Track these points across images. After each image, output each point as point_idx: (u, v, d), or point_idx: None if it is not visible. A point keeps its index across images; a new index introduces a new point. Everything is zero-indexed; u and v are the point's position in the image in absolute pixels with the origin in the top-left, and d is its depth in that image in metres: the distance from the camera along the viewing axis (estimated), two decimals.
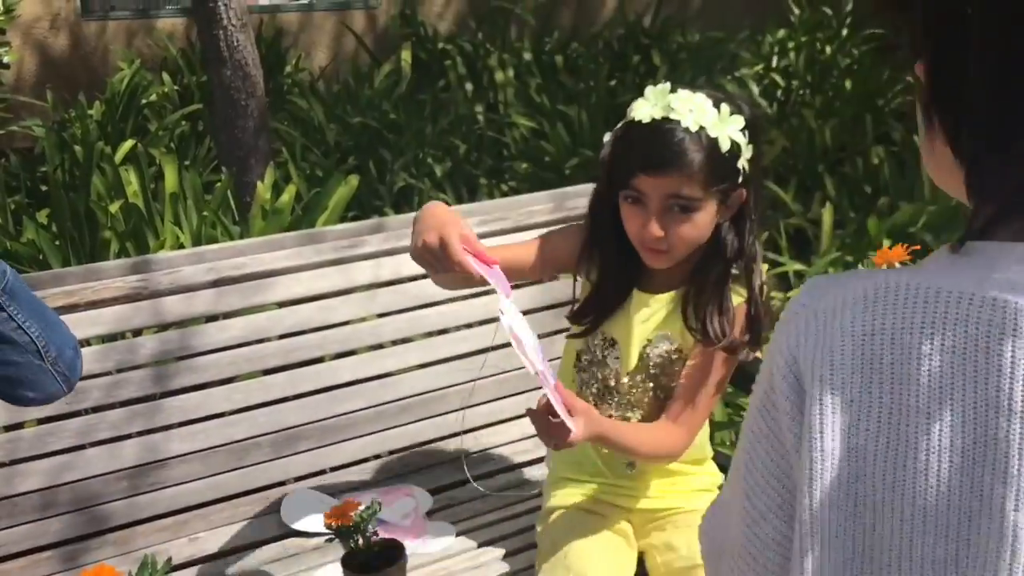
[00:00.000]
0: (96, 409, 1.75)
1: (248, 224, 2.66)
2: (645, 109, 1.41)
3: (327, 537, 1.74)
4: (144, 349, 1.79)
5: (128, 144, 3.72)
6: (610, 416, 1.57)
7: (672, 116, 1.38)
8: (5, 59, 4.08)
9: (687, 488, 1.63)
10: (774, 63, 5.82)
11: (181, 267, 1.82)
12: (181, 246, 2.43)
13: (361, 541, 1.56)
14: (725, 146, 1.40)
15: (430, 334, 2.03)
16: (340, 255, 1.95)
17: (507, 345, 1.61)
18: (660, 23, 6.10)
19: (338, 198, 2.70)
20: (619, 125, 1.48)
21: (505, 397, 2.05)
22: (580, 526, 1.59)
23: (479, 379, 2.02)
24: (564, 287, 1.81)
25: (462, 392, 2.02)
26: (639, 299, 1.55)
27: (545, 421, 1.34)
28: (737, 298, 1.51)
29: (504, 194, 4.14)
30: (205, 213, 2.49)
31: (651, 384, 1.56)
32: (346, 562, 1.57)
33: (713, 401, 1.55)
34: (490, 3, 6.23)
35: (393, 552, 1.58)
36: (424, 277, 2.01)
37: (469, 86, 5.01)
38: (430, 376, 2.01)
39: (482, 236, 2.03)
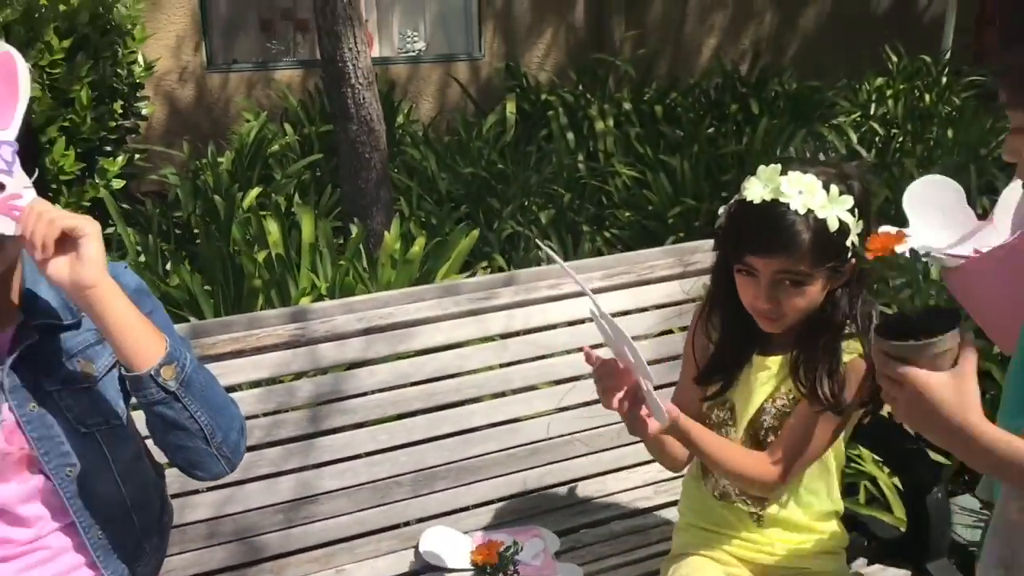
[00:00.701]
0: (257, 447, 1.92)
1: (376, 272, 2.83)
2: (756, 190, 1.50)
3: (469, 572, 1.87)
4: (301, 392, 1.95)
5: (255, 191, 3.97)
6: None
7: (782, 199, 1.47)
8: (144, 111, 4.39)
9: (814, 549, 1.68)
10: (872, 111, 5.84)
11: (334, 316, 1.98)
12: (320, 294, 2.61)
13: None
14: (834, 226, 1.47)
15: (558, 382, 2.14)
16: (476, 306, 2.09)
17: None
18: (757, 72, 6.18)
19: (460, 249, 2.85)
20: (732, 201, 1.57)
21: (627, 444, 2.15)
22: (704, 574, 1.67)
23: (604, 426, 2.13)
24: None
25: (588, 438, 2.14)
26: (758, 362, 1.64)
27: (635, 412, 1.45)
28: (850, 356, 1.57)
29: (607, 241, 4.26)
30: (341, 262, 2.67)
31: (762, 437, 1.64)
32: None
33: (816, 453, 1.61)
34: (590, 55, 6.41)
35: None
36: (550, 328, 2.14)
37: (570, 135, 5.16)
38: (557, 422, 2.13)
39: (603, 290, 2.16)
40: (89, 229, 1.32)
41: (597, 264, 2.23)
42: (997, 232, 1.40)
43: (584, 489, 2.14)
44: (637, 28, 6.85)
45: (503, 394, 2.09)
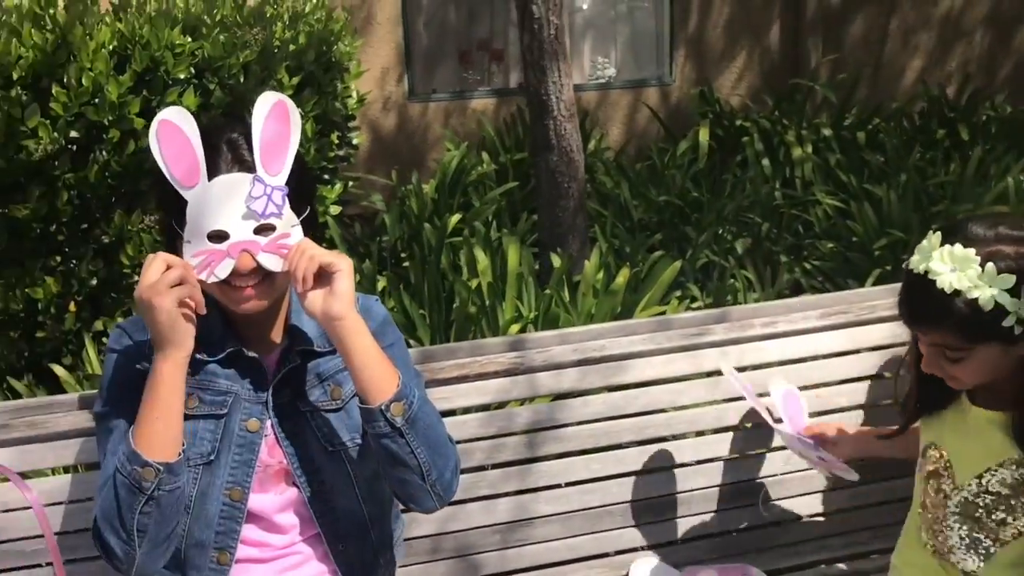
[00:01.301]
0: (478, 469, 2.01)
1: (577, 302, 2.90)
2: (917, 259, 1.48)
3: None
4: (520, 418, 2.03)
5: (455, 218, 4.14)
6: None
7: (931, 275, 1.44)
8: (355, 141, 4.66)
9: None
10: None
11: (551, 347, 2.05)
12: (526, 323, 2.70)
13: None
14: (988, 307, 1.41)
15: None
16: (688, 342, 2.11)
17: None
18: (967, 95, 5.86)
19: (662, 280, 2.88)
20: (904, 264, 1.55)
21: (842, 488, 2.10)
22: None
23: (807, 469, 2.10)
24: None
25: (802, 478, 2.11)
26: (975, 413, 1.58)
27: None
28: None
29: (806, 272, 4.15)
30: (547, 291, 2.75)
31: (979, 515, 1.56)
32: None
33: None
34: (786, 79, 6.28)
35: None
36: (764, 367, 2.13)
37: (766, 162, 5.08)
38: (770, 461, 2.11)
39: (821, 330, 2.13)
40: (343, 266, 1.44)
41: (813, 303, 2.20)
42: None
43: (796, 530, 2.11)
44: (835, 51, 6.65)
45: (718, 431, 2.10)
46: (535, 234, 4.03)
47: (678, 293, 3.83)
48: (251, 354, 1.54)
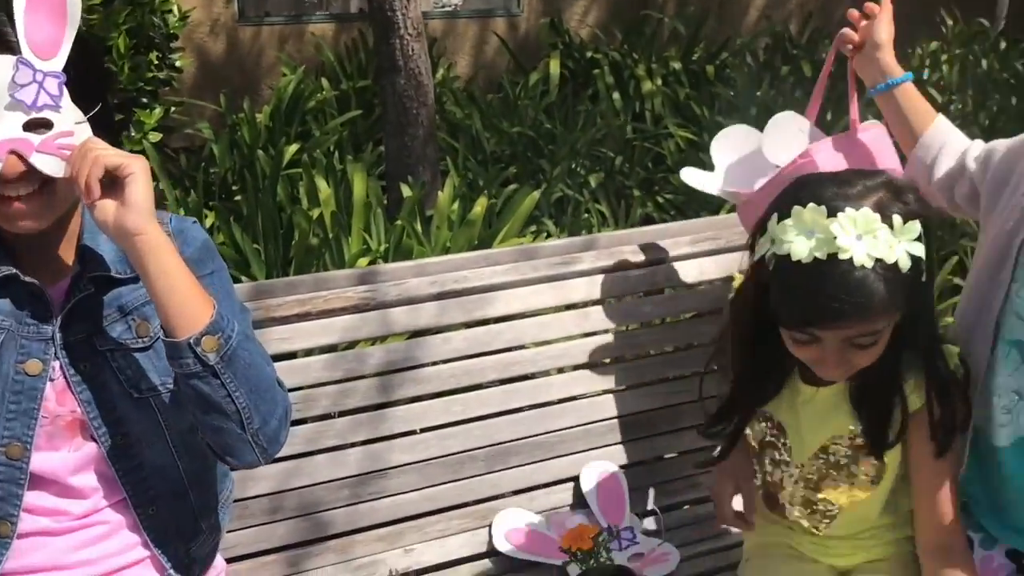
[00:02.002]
0: (323, 417, 1.78)
1: (430, 235, 2.69)
2: (802, 245, 1.18)
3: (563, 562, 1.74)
4: (371, 359, 1.81)
5: (293, 148, 3.82)
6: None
7: (841, 254, 1.17)
8: (178, 63, 4.23)
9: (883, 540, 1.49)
10: (926, 76, 5.60)
11: (406, 279, 1.83)
12: (375, 256, 2.46)
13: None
14: (906, 266, 1.20)
15: (640, 356, 2.00)
16: (554, 272, 1.94)
17: (714, 370, 1.60)
18: (808, 33, 5.95)
19: (520, 212, 2.70)
20: (769, 256, 1.24)
21: None
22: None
23: (687, 403, 1.99)
24: None
25: (672, 414, 1.99)
26: (806, 392, 1.42)
27: None
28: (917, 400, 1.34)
29: (659, 206, 4.09)
30: (398, 222, 2.52)
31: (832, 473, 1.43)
32: None
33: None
34: (634, 11, 6.19)
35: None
36: (635, 296, 1.99)
37: (616, 95, 4.97)
38: (637, 398, 1.98)
39: (691, 257, 2.01)
40: (135, 168, 1.17)
41: (681, 228, 2.06)
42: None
43: (668, 468, 2.00)
44: None
45: (585, 367, 1.94)
46: (381, 166, 3.76)
47: (533, 228, 3.68)
48: (28, 279, 1.24)
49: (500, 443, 1.89)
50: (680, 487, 1.99)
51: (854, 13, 1.65)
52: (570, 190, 4.02)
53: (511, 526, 1.85)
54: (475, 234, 2.59)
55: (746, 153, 1.84)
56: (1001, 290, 1.32)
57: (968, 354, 1.36)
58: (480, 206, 2.67)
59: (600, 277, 1.96)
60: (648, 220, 4.03)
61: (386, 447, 1.82)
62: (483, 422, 1.88)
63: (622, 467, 1.96)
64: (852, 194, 1.22)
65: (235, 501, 1.72)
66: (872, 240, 1.17)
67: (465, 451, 1.87)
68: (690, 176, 1.86)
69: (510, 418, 1.90)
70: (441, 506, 1.86)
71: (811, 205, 1.19)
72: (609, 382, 1.96)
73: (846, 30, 1.64)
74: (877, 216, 1.19)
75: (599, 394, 1.96)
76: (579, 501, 1.91)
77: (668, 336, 2.06)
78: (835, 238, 1.16)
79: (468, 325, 1.88)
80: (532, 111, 4.64)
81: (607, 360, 1.97)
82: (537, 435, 1.91)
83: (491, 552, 1.84)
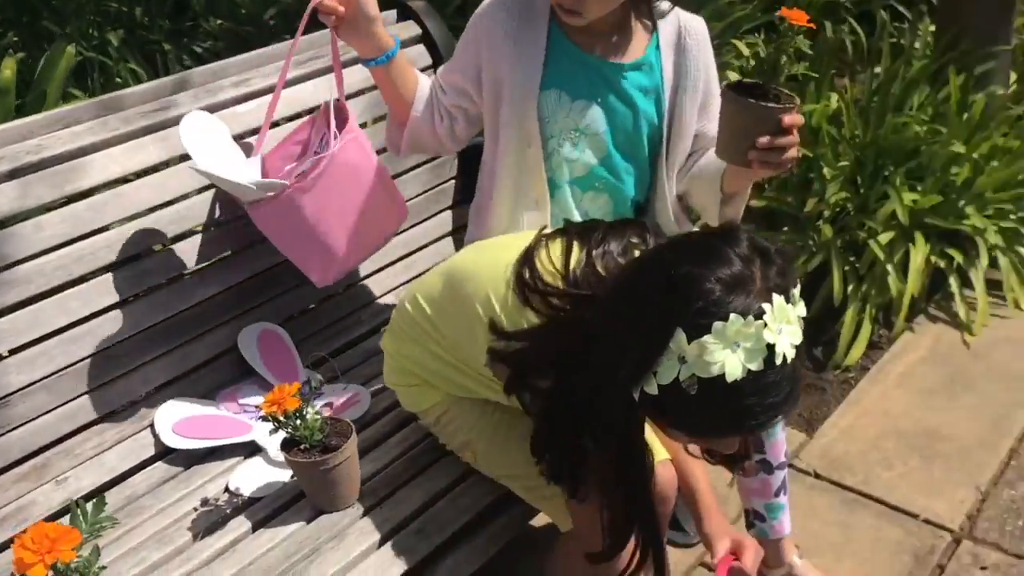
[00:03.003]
0: None
1: None
2: (734, 363, 1.02)
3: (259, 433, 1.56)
4: None
5: None
6: None
7: (778, 360, 1.04)
8: None
9: None
10: None
11: None
12: None
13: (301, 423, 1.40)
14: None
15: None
16: (152, 121, 1.65)
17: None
18: None
19: (61, 71, 2.23)
20: (688, 379, 1.04)
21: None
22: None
23: None
24: None
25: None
26: None
27: None
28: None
29: (199, 58, 3.70)
30: None
31: None
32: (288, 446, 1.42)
33: None
34: None
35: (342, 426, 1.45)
36: (251, 134, 1.76)
37: None
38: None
39: (303, 80, 1.84)
40: None
41: (279, 52, 1.85)
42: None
43: (317, 317, 1.87)
44: None
45: (211, 227, 1.71)
46: None
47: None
48: None
49: (139, 332, 1.61)
50: (341, 328, 1.88)
51: None
52: (91, 52, 3.47)
53: (177, 417, 1.61)
54: (10, 104, 2.10)
55: (216, 139, 1.64)
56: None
57: None
58: (9, 68, 2.16)
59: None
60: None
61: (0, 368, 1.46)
62: (112, 312, 1.58)
63: (281, 322, 1.80)
64: (748, 285, 1.03)
65: None
66: (790, 327, 1.05)
67: (99, 351, 1.56)
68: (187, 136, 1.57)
69: (144, 301, 1.62)
70: (86, 421, 1.57)
71: (733, 317, 1.01)
72: (241, 239, 1.75)
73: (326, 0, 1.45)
74: (786, 302, 1.05)
75: (241, 251, 1.75)
76: (245, 370, 1.72)
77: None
78: (767, 344, 1.03)
79: (62, 204, 1.54)
80: None
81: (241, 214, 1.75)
82: (180, 312, 1.66)
83: (163, 453, 1.59)
